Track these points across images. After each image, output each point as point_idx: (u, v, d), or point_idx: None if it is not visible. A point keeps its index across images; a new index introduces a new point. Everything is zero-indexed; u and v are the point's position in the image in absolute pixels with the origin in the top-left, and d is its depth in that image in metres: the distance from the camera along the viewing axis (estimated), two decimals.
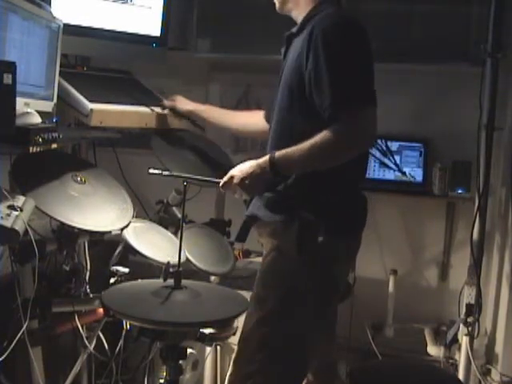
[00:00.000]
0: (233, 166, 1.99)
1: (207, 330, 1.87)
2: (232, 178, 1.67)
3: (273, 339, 1.61)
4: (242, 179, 1.64)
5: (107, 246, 2.16)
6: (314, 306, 1.61)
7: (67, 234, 1.88)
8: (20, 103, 1.59)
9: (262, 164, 1.61)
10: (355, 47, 1.55)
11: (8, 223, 1.38)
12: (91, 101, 2.03)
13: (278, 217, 1.64)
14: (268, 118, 1.94)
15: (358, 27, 1.59)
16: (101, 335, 2.12)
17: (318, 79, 1.53)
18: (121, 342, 2.14)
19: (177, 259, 1.65)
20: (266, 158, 1.61)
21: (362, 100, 1.52)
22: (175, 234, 2.22)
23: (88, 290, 2.08)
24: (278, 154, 1.59)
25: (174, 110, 2.26)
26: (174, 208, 2.35)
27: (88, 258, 2.21)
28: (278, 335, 1.61)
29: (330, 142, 1.51)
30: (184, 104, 2.24)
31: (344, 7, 1.76)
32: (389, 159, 2.99)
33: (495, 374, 2.74)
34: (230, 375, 1.69)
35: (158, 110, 2.28)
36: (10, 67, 1.46)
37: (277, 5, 1.77)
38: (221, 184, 1.71)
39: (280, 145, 1.62)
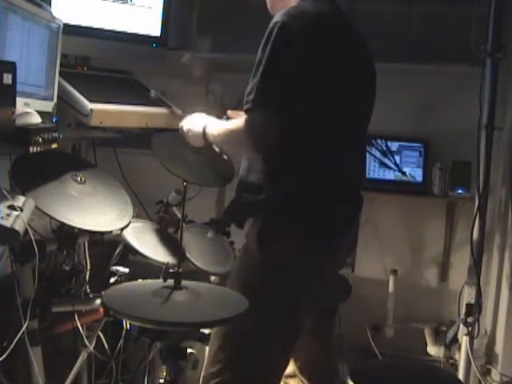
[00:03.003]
0: (231, 166, 2.00)
1: (207, 330, 1.87)
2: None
3: (232, 338, 1.61)
4: (187, 131, 1.82)
5: (107, 246, 2.16)
6: (276, 305, 1.59)
7: (67, 234, 1.88)
8: (20, 103, 1.59)
9: (200, 124, 1.77)
10: (279, 47, 1.51)
11: (8, 223, 1.38)
12: (91, 101, 2.03)
13: (249, 216, 1.64)
14: None
15: (297, 28, 1.52)
16: (101, 335, 2.12)
17: None
18: (121, 342, 2.14)
19: (177, 259, 1.65)
20: (205, 121, 1.76)
21: (254, 102, 1.52)
22: (175, 234, 2.23)
23: (88, 290, 2.08)
24: (209, 123, 1.74)
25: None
26: (174, 208, 2.35)
27: (88, 257, 2.21)
28: (237, 334, 1.60)
29: (232, 130, 1.62)
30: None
31: (333, 1, 1.70)
32: (389, 159, 2.99)
33: (495, 374, 2.74)
34: (201, 375, 1.69)
35: (153, 110, 2.29)
36: (10, 67, 1.46)
37: (268, 5, 1.77)
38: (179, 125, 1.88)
39: None
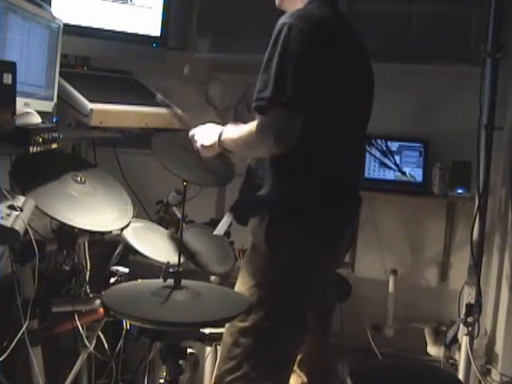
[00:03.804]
0: (232, 167, 2.00)
1: (207, 330, 1.87)
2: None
3: (244, 335, 1.62)
4: (200, 140, 1.77)
5: (107, 246, 2.16)
6: (283, 304, 1.61)
7: (67, 234, 1.88)
8: (20, 103, 1.59)
9: (215, 132, 1.72)
10: (290, 48, 1.51)
11: (8, 223, 1.38)
12: (91, 101, 2.04)
13: (255, 215, 1.65)
14: None
15: (306, 28, 1.52)
16: (101, 335, 2.12)
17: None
18: (121, 342, 2.14)
19: (177, 259, 1.65)
20: (221, 129, 1.70)
21: (272, 101, 1.51)
22: (175, 233, 2.23)
23: (88, 290, 2.08)
24: (225, 131, 1.68)
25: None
26: (174, 208, 2.35)
27: (88, 257, 2.21)
28: (249, 332, 1.62)
29: (251, 131, 1.57)
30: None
31: (335, 5, 1.70)
32: (389, 159, 2.99)
33: (495, 374, 2.74)
34: (215, 373, 1.70)
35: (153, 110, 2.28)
36: (10, 67, 1.47)
37: (276, 1, 1.78)
38: (190, 135, 1.83)
39: None
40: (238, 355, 1.63)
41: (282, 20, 1.55)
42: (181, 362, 1.61)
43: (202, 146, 1.76)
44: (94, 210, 1.87)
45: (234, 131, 1.65)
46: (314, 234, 1.61)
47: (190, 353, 2.30)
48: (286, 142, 1.51)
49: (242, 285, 1.67)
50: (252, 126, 1.57)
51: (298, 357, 1.81)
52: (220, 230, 1.81)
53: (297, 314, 1.64)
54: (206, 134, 1.76)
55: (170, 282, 1.59)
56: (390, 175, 3.01)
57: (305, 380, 1.85)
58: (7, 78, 1.44)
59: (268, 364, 1.63)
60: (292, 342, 1.67)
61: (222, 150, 1.71)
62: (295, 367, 1.83)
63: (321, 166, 1.60)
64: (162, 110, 2.34)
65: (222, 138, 1.69)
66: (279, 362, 1.65)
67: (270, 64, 1.52)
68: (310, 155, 1.58)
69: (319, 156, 1.60)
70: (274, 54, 1.52)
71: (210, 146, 1.73)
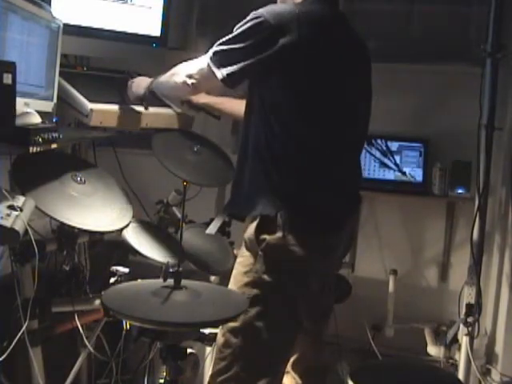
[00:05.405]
0: (232, 166, 2.01)
1: (207, 330, 1.87)
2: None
3: (235, 335, 1.62)
4: (130, 83, 2.09)
5: (107, 246, 2.16)
6: (273, 303, 1.61)
7: (67, 234, 1.88)
8: (20, 103, 1.59)
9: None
10: (242, 36, 1.59)
11: (8, 223, 1.38)
12: (91, 101, 2.03)
13: (246, 213, 1.66)
14: None
15: (271, 22, 1.55)
16: (101, 335, 2.12)
17: None
18: (121, 342, 2.14)
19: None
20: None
21: (218, 65, 1.62)
22: (175, 234, 2.23)
23: (88, 290, 2.08)
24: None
25: (190, 103, 2.23)
26: (174, 208, 2.35)
27: (88, 257, 2.21)
28: (239, 332, 1.61)
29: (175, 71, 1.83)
30: (199, 97, 2.20)
31: (333, 4, 1.71)
32: (389, 159, 3.00)
33: (495, 374, 2.74)
34: (209, 374, 1.70)
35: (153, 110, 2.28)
36: (10, 67, 1.47)
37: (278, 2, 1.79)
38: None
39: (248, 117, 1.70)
40: (229, 355, 1.62)
41: (260, 9, 1.59)
42: (181, 361, 1.61)
43: (131, 86, 2.06)
44: (94, 209, 1.87)
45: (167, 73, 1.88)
46: (306, 233, 1.60)
47: (190, 353, 2.30)
48: (193, 91, 1.80)
49: (234, 283, 1.67)
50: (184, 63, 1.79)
51: (293, 358, 1.80)
52: (212, 229, 1.82)
53: (288, 313, 1.63)
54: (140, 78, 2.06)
55: (170, 282, 1.59)
56: (389, 175, 3.01)
57: (299, 381, 1.83)
58: (7, 78, 1.44)
59: (258, 365, 1.62)
60: (283, 343, 1.65)
61: (147, 89, 1.96)
62: (289, 368, 1.82)
63: (313, 165, 1.60)
64: (162, 110, 2.34)
65: (156, 79, 1.94)
66: (270, 362, 1.64)
67: (230, 40, 1.62)
68: (302, 154, 1.59)
69: (311, 155, 1.60)
70: (235, 35, 1.61)
71: (140, 81, 2.02)
